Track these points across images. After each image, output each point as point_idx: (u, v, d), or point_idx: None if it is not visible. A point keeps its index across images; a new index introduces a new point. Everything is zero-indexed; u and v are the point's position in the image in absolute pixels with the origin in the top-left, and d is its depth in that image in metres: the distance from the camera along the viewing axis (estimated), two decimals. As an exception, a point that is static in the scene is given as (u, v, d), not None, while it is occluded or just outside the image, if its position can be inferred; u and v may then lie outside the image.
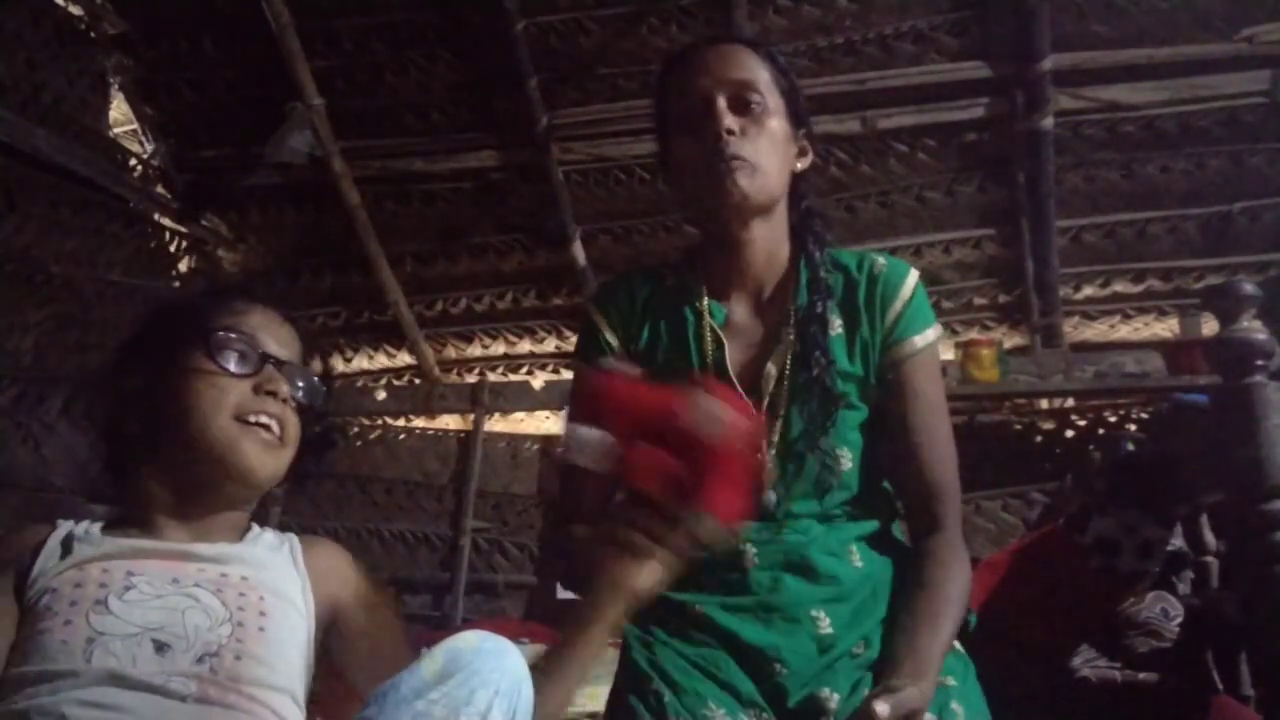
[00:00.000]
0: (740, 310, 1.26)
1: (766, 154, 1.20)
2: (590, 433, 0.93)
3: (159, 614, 0.94)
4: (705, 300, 1.25)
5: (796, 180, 1.27)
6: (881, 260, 1.25)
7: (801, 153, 1.28)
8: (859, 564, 1.17)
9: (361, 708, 0.90)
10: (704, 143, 1.19)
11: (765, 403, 1.19)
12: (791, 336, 1.21)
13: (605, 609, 0.96)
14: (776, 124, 1.21)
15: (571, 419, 0.97)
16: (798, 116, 1.26)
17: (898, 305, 1.21)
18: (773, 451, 1.17)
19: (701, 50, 1.25)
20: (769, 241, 1.25)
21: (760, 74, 1.22)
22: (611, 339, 1.26)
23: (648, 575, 0.95)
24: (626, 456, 0.92)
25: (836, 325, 1.22)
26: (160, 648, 0.92)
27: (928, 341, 1.21)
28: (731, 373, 1.20)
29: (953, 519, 1.17)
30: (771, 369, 1.20)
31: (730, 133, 1.18)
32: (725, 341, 1.22)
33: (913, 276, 1.24)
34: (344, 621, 1.08)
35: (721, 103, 1.19)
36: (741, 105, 1.20)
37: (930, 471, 1.18)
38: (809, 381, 1.18)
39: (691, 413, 0.90)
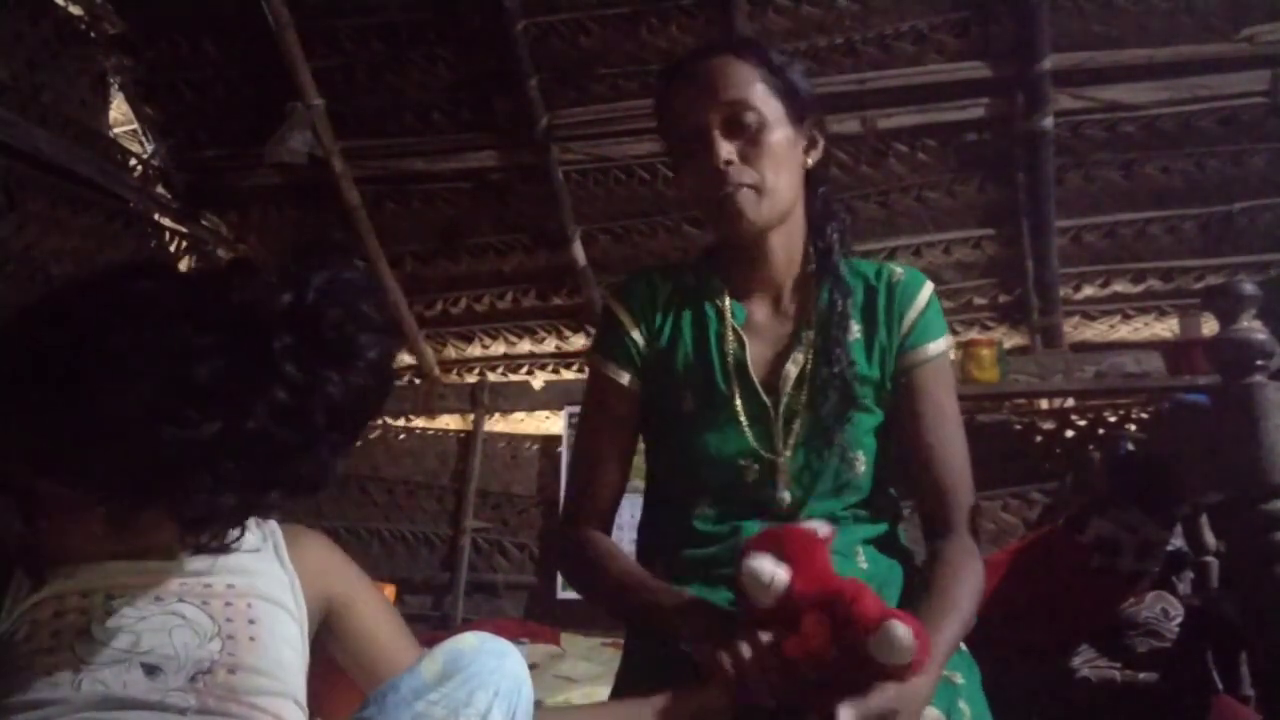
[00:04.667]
0: (761, 310, 1.26)
1: (771, 172, 1.18)
2: (776, 573, 0.93)
3: (145, 636, 0.90)
4: (727, 300, 1.26)
5: (810, 173, 1.26)
6: (899, 270, 1.27)
7: (811, 145, 1.26)
8: (864, 565, 1.18)
9: (360, 707, 0.90)
10: (705, 174, 1.18)
11: (783, 402, 1.20)
12: (813, 337, 1.22)
13: (682, 710, 0.98)
14: (778, 135, 1.19)
15: (759, 547, 0.96)
16: (800, 112, 1.23)
17: (913, 313, 1.23)
18: (789, 451, 1.18)
19: (691, 68, 1.22)
20: (786, 243, 1.25)
21: (754, 86, 1.19)
22: (634, 333, 1.26)
23: (725, 713, 0.97)
24: (797, 617, 0.92)
25: (855, 330, 1.23)
26: (151, 671, 0.88)
27: (940, 350, 1.23)
28: (752, 372, 1.22)
29: (964, 522, 1.18)
30: (791, 369, 1.21)
31: (729, 163, 1.16)
32: (746, 341, 1.23)
33: (928, 287, 1.26)
34: (337, 615, 1.06)
35: (716, 131, 1.17)
36: (737, 127, 1.18)
37: (942, 475, 1.19)
38: (828, 379, 1.19)
39: (880, 635, 0.88)
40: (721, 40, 1.28)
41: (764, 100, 1.19)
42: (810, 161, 1.26)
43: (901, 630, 0.87)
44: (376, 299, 0.90)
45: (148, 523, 0.93)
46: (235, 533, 0.98)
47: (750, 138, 1.18)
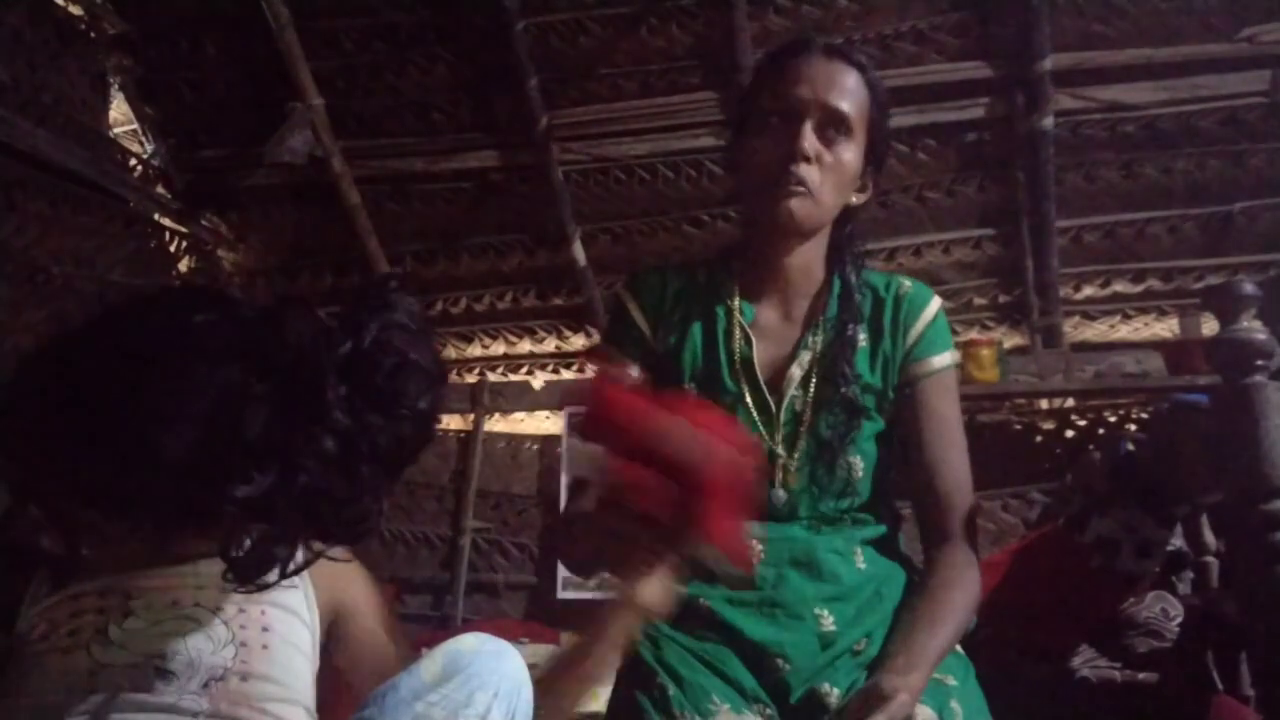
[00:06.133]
0: (769, 313, 1.28)
1: (830, 187, 1.20)
2: (588, 448, 0.92)
3: (161, 640, 0.91)
4: (737, 299, 1.27)
5: (848, 209, 1.29)
6: (908, 283, 1.29)
7: (862, 188, 1.29)
8: (863, 565, 1.19)
9: (359, 708, 0.90)
10: (780, 154, 1.19)
11: (785, 402, 1.21)
12: (819, 344, 1.23)
13: (615, 622, 0.98)
14: (851, 158, 1.22)
15: (577, 429, 0.96)
16: (875, 154, 1.26)
17: (920, 326, 1.25)
18: (790, 453, 1.19)
19: (812, 57, 1.23)
20: (806, 257, 1.27)
21: (858, 104, 1.21)
22: (643, 326, 1.28)
23: (654, 591, 0.97)
24: (624, 473, 0.91)
25: (861, 339, 1.25)
26: (164, 675, 0.89)
27: (945, 364, 1.25)
28: (758, 371, 1.22)
29: (963, 531, 1.19)
30: (796, 370, 1.22)
31: (805, 158, 1.18)
32: (754, 340, 1.24)
33: (936, 301, 1.27)
34: (343, 622, 1.07)
35: (809, 124, 1.19)
36: (828, 132, 1.20)
37: (943, 485, 1.20)
38: (835, 397, 1.20)
39: (675, 440, 0.88)
40: (853, 50, 1.28)
41: (859, 125, 1.22)
42: (856, 201, 1.29)
43: (683, 421, 0.89)
44: (429, 343, 0.91)
45: (185, 537, 0.94)
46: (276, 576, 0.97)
47: (833, 148, 1.20)
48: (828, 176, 1.20)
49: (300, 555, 0.88)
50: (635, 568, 0.95)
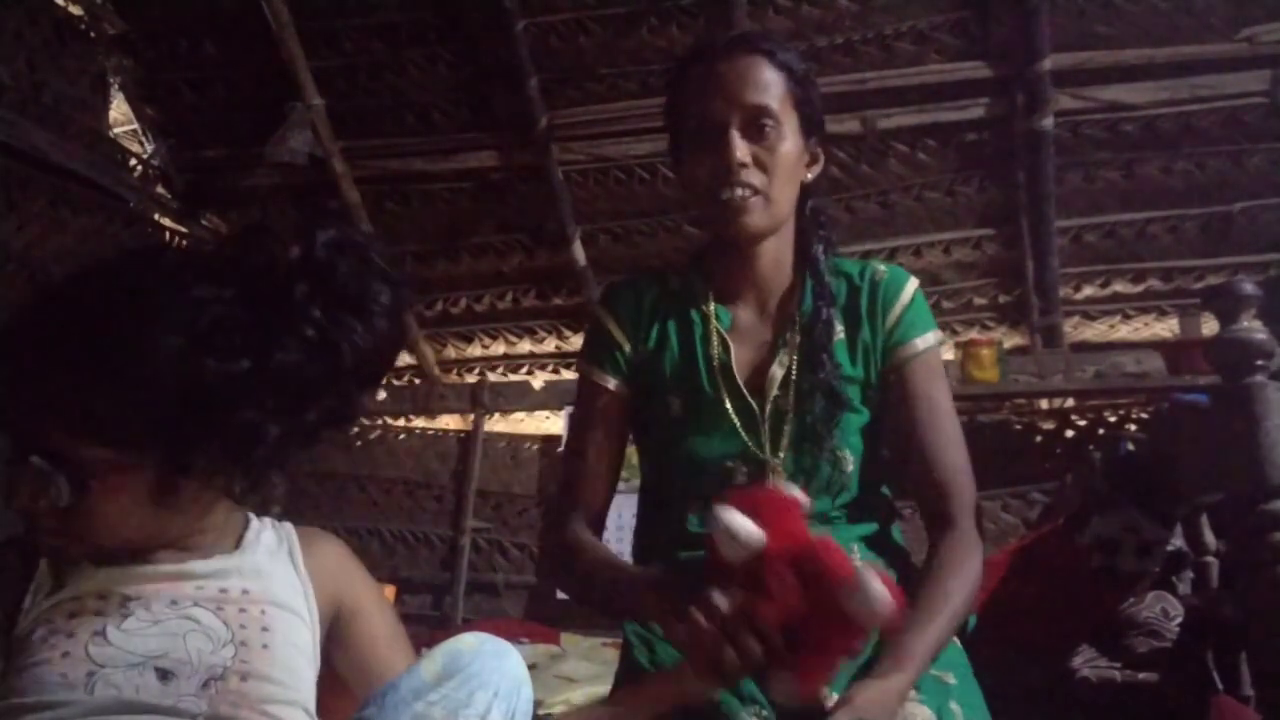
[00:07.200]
0: (745, 314, 1.27)
1: (779, 182, 1.19)
2: (750, 529, 0.89)
3: (160, 641, 0.91)
4: (712, 304, 1.26)
5: (805, 185, 1.27)
6: (882, 268, 1.27)
7: (813, 160, 1.27)
8: (859, 563, 1.18)
9: (359, 707, 0.90)
10: (715, 170, 1.17)
11: (769, 404, 1.20)
12: (797, 340, 1.22)
13: (659, 697, 0.98)
14: (790, 144, 1.20)
15: (733, 504, 0.92)
16: (811, 128, 1.24)
17: (897, 309, 1.23)
18: (778, 454, 1.19)
19: (717, 61, 1.21)
20: (776, 250, 1.26)
21: (776, 92, 1.19)
22: (621, 341, 1.27)
23: (709, 688, 0.95)
24: (766, 575, 0.89)
25: (839, 330, 1.23)
26: (164, 675, 0.89)
27: (928, 345, 1.23)
28: (737, 375, 1.22)
29: (964, 516, 1.16)
30: (777, 372, 1.21)
31: (743, 165, 1.16)
32: (731, 344, 1.23)
33: (912, 283, 1.25)
34: (343, 621, 1.06)
35: (735, 130, 1.17)
36: (756, 130, 1.18)
37: (938, 470, 1.18)
38: (815, 385, 1.19)
39: (855, 588, 0.85)
40: (754, 38, 1.25)
41: (784, 110, 1.19)
42: (810, 176, 1.27)
43: (876, 580, 0.85)
44: (381, 253, 0.95)
45: (188, 500, 0.94)
46: (254, 528, 1.01)
47: (766, 144, 1.18)
48: (773, 172, 1.18)
49: (295, 436, 0.92)
50: (718, 668, 0.90)
